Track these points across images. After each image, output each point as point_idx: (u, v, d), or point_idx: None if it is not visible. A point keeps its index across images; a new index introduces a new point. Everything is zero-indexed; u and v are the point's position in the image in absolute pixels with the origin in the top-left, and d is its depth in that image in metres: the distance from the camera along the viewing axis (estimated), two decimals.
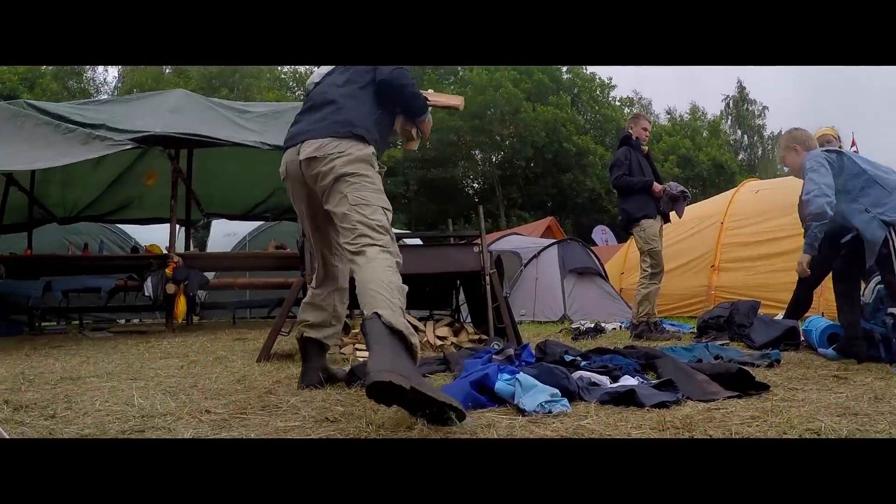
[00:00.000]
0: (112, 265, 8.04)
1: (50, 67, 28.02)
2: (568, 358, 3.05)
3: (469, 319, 5.17)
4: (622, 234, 10.05)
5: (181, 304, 7.44)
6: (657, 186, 5.74)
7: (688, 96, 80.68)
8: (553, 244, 9.63)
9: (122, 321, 10.55)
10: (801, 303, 5.19)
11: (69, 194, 9.60)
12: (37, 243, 9.47)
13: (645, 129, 6.12)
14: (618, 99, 39.19)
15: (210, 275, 8.66)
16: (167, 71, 31.64)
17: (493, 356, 2.98)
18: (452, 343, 4.30)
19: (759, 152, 45.81)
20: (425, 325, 4.39)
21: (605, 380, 2.61)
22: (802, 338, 4.46)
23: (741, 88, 45.77)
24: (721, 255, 8.43)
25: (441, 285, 4.87)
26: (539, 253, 9.37)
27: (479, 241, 4.41)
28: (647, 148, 6.11)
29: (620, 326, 6.76)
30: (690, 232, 9.04)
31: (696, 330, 5.59)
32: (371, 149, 2.67)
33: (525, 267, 9.32)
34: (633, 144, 5.98)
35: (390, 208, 2.64)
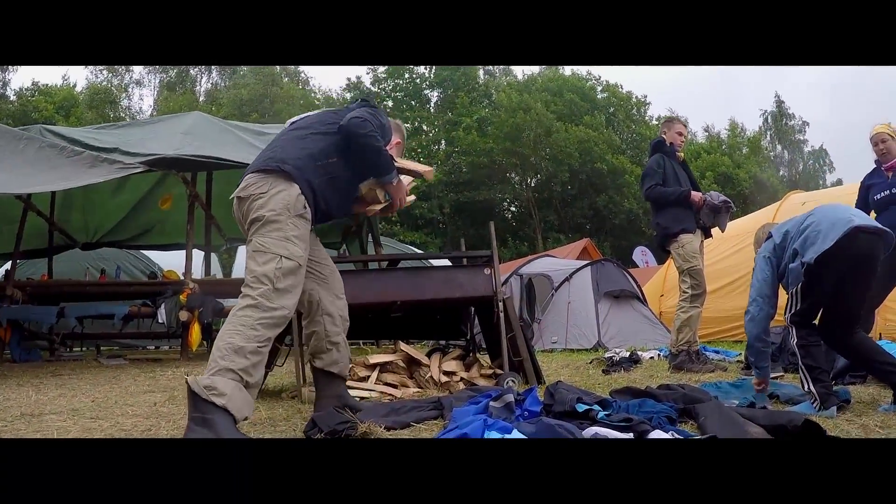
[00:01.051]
0: (127, 291, 7.84)
1: (85, 96, 28.69)
2: (581, 408, 2.49)
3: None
4: (662, 256, 9.45)
5: (195, 332, 7.13)
6: (696, 196, 5.07)
7: (725, 113, 79.32)
8: (586, 265, 9.07)
9: (153, 347, 10.36)
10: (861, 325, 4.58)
11: (91, 220, 9.55)
12: (59, 268, 9.36)
13: (680, 134, 5.42)
14: (654, 118, 38.38)
15: (232, 301, 8.37)
16: (201, 99, 32.14)
17: (491, 403, 2.49)
18: (462, 379, 3.79)
19: (801, 167, 44.53)
20: (430, 359, 3.89)
21: (627, 437, 2.09)
22: None
23: (779, 103, 44.78)
24: None
25: (452, 313, 4.36)
26: (571, 275, 8.82)
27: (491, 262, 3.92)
28: (682, 155, 5.42)
29: (659, 355, 6.20)
30: (734, 248, 8.41)
31: (743, 360, 5.00)
32: (296, 188, 2.54)
33: (556, 290, 8.79)
34: (667, 151, 5.30)
35: (294, 256, 2.50)
